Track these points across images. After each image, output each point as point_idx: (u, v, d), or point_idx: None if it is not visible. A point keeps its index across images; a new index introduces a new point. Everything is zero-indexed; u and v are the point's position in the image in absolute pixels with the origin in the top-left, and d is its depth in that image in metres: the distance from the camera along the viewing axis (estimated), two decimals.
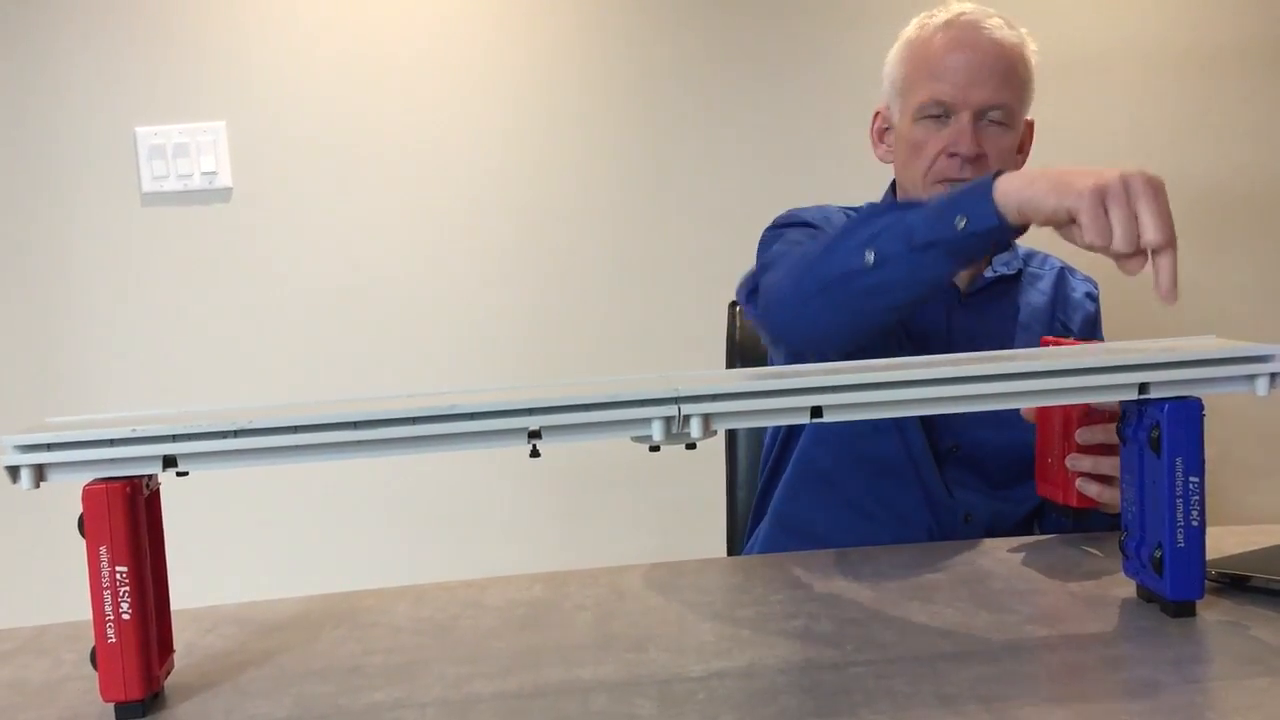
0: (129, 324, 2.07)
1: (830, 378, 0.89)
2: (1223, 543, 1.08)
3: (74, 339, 2.07)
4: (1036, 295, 1.46)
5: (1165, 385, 0.91)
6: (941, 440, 1.36)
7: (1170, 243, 0.99)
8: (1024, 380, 0.90)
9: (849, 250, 1.12)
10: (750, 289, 1.30)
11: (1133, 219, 0.98)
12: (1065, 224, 1.01)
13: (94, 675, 0.83)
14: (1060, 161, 2.08)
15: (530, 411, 0.85)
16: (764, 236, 1.44)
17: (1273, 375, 0.92)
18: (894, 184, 1.49)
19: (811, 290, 1.16)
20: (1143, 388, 0.91)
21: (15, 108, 2.03)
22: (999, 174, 1.06)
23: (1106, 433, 1.14)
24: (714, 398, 0.87)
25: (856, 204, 1.51)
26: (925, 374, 0.90)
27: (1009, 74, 1.36)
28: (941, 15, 1.38)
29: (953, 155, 1.35)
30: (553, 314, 2.11)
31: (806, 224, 1.41)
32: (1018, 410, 1.18)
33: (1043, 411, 1.18)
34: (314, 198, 2.07)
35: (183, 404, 2.04)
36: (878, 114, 1.46)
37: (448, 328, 2.10)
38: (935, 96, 1.35)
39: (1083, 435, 1.14)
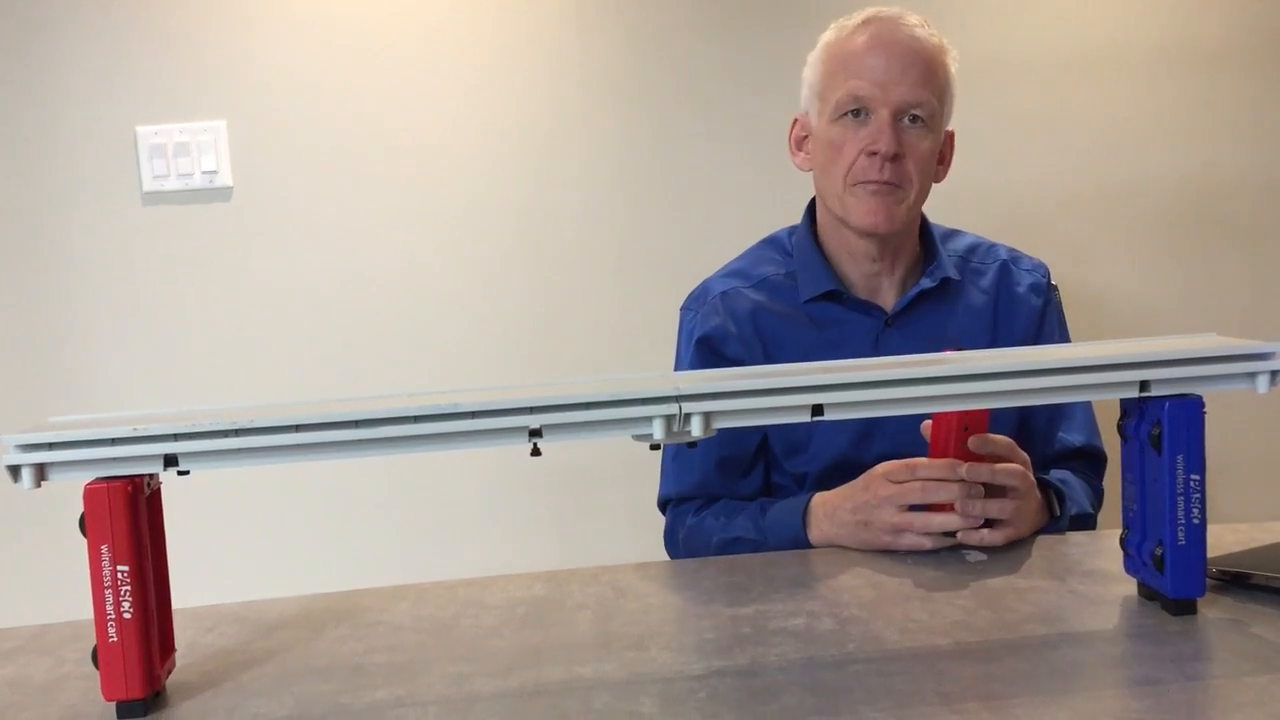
0: (129, 323, 2.07)
1: (831, 376, 0.89)
2: (1222, 540, 1.08)
3: (75, 338, 2.07)
4: (977, 295, 1.44)
5: (1166, 383, 0.91)
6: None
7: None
8: (1025, 378, 0.91)
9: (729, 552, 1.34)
10: (661, 505, 1.48)
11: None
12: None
13: (95, 674, 0.83)
14: (1061, 160, 2.08)
15: (531, 410, 0.85)
16: (679, 326, 1.54)
17: (1273, 373, 0.92)
18: (812, 203, 1.48)
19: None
20: (1144, 385, 0.91)
21: (16, 107, 2.03)
22: (807, 510, 1.27)
23: (991, 473, 1.16)
24: (715, 396, 0.87)
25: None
26: (925, 372, 0.90)
27: (928, 73, 1.34)
28: (859, 16, 1.38)
29: (872, 154, 1.33)
30: (553, 313, 2.11)
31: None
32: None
33: (935, 440, 1.19)
34: (315, 197, 2.06)
35: (184, 403, 2.04)
36: (796, 121, 1.45)
37: (449, 326, 2.10)
38: (853, 93, 1.34)
39: (972, 472, 1.15)
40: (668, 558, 1.45)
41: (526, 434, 0.86)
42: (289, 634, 1.01)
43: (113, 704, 0.84)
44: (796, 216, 1.52)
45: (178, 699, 0.88)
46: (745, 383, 0.88)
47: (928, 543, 1.16)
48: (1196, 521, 0.92)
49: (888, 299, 1.42)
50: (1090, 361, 0.91)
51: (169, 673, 0.90)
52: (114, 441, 0.82)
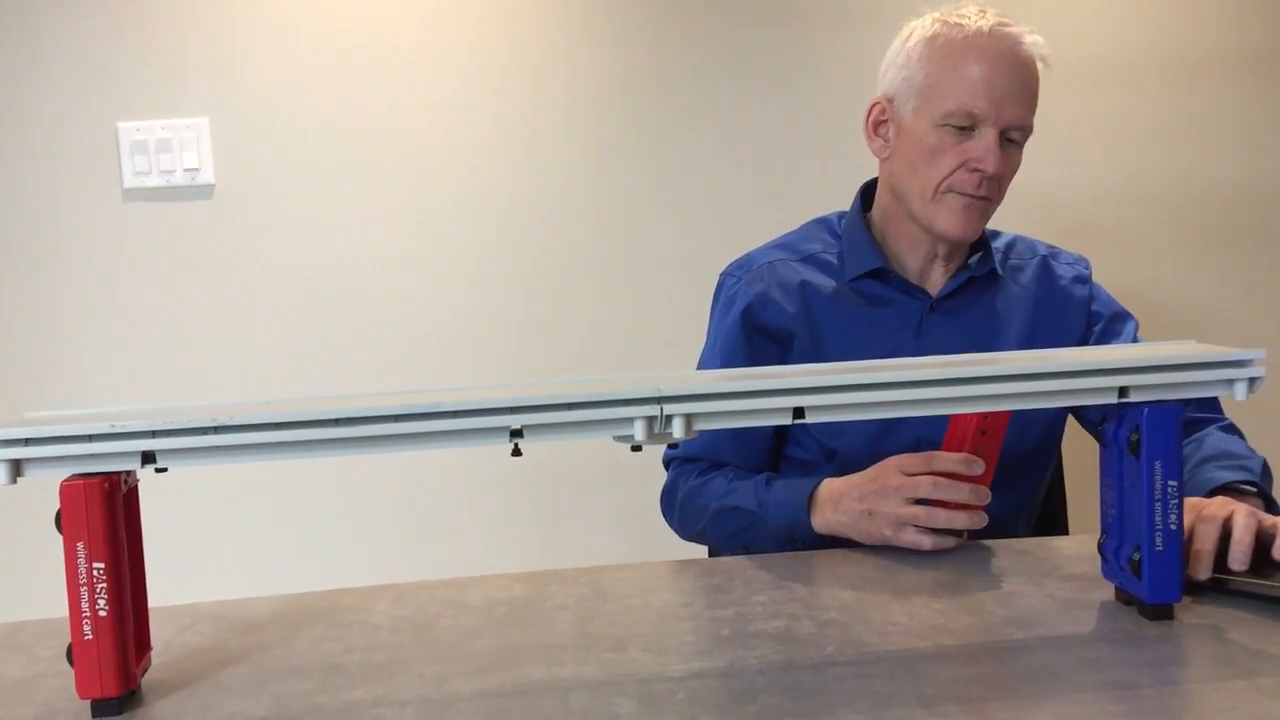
0: (110, 320, 2.06)
1: (813, 379, 0.89)
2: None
3: (54, 335, 2.05)
4: (1017, 290, 1.45)
5: (1145, 389, 0.92)
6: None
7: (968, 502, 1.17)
8: (1005, 383, 0.91)
9: (722, 539, 1.38)
10: (666, 461, 1.49)
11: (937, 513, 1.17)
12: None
13: (70, 672, 0.83)
14: (1042, 165, 2.09)
15: (512, 410, 0.85)
16: (717, 291, 1.50)
17: (1251, 380, 0.92)
18: (869, 185, 1.48)
19: (701, 542, 1.46)
20: (1123, 391, 0.92)
21: None
22: (813, 494, 1.27)
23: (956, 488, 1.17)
24: (696, 398, 0.87)
25: (822, 212, 1.51)
26: (907, 376, 0.90)
27: (1034, 94, 1.35)
28: (976, 20, 1.33)
29: (974, 170, 1.33)
30: (537, 313, 2.10)
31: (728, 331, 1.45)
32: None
33: (950, 439, 1.19)
34: (297, 195, 2.06)
35: (164, 400, 2.03)
36: (876, 104, 1.42)
37: (431, 326, 2.09)
38: (967, 108, 1.32)
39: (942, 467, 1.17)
40: (649, 547, 1.45)
41: (507, 434, 0.86)
42: (267, 633, 1.01)
43: (87, 702, 0.83)
44: (786, 215, 1.52)
45: (153, 697, 0.87)
46: (726, 384, 0.88)
47: (926, 543, 1.16)
48: (1174, 527, 0.92)
49: (935, 284, 1.43)
50: (1069, 367, 0.91)
51: (144, 671, 0.89)
52: (91, 438, 0.82)
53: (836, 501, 1.24)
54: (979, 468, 1.16)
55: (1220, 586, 0.99)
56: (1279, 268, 2.19)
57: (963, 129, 1.33)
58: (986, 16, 1.34)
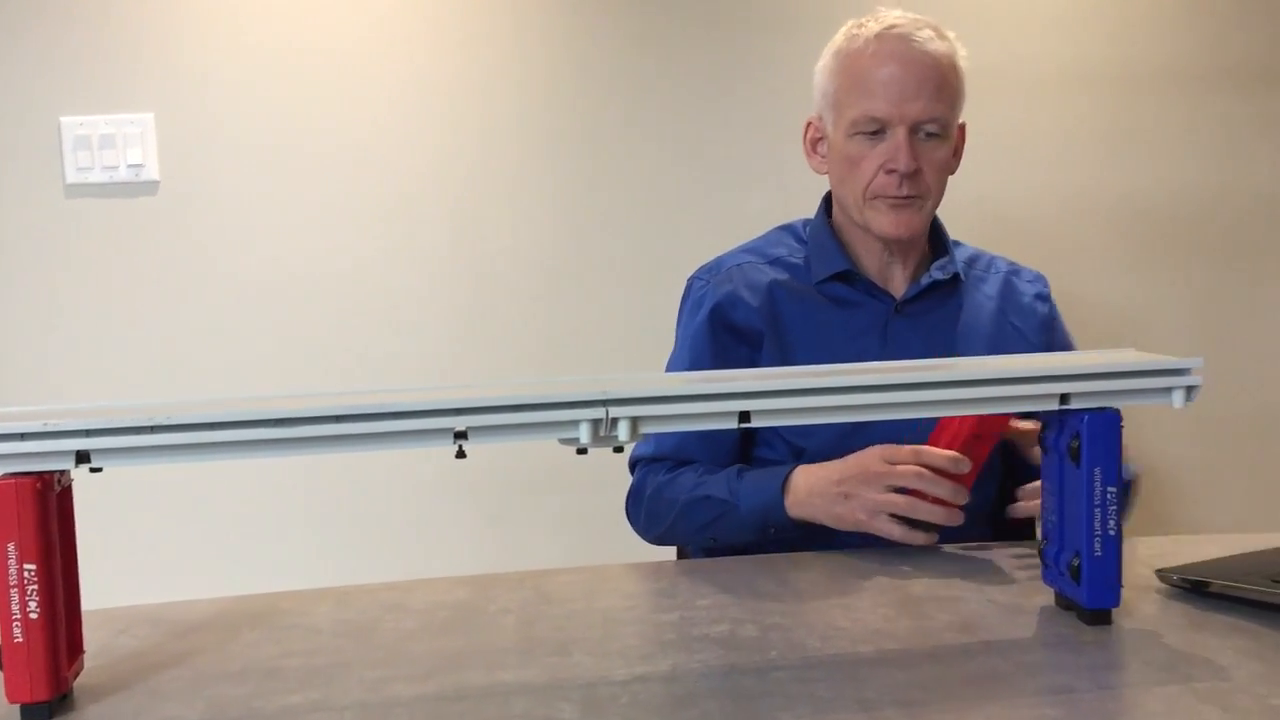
0: (51, 318, 2.02)
1: (759, 383, 0.90)
2: (1181, 549, 1.13)
3: None
4: (982, 299, 1.46)
5: (1085, 396, 0.93)
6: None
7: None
8: (949, 389, 0.92)
9: (691, 532, 1.36)
10: (632, 464, 1.46)
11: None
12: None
13: None
14: (993, 175, 2.11)
15: (456, 411, 0.85)
16: (684, 295, 1.50)
17: (1189, 388, 0.94)
18: (828, 195, 1.50)
19: (667, 541, 1.43)
20: (1064, 398, 0.93)
21: None
22: (788, 478, 1.27)
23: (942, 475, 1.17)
24: (642, 400, 0.87)
25: (788, 220, 1.52)
26: (851, 380, 0.91)
27: (941, 86, 1.36)
28: (872, 26, 1.37)
29: (890, 171, 1.35)
30: (487, 315, 2.09)
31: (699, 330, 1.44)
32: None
33: (939, 439, 1.20)
34: (243, 193, 2.03)
35: (104, 400, 2.00)
36: (810, 124, 1.46)
37: (379, 327, 2.07)
38: (869, 113, 1.35)
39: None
40: (596, 551, 1.44)
41: (451, 436, 0.85)
42: (204, 636, 0.99)
43: (17, 706, 0.82)
44: (741, 219, 1.53)
45: (85, 702, 0.86)
46: (673, 388, 0.88)
47: (897, 532, 1.17)
48: (1113, 533, 0.93)
49: (899, 287, 1.44)
50: (1011, 374, 0.92)
51: (77, 675, 0.88)
52: (23, 436, 0.80)
53: (811, 485, 1.24)
54: (965, 467, 1.16)
55: (1200, 590, 1.01)
56: (1218, 275, 2.22)
57: (874, 134, 1.36)
58: (881, 19, 1.37)
